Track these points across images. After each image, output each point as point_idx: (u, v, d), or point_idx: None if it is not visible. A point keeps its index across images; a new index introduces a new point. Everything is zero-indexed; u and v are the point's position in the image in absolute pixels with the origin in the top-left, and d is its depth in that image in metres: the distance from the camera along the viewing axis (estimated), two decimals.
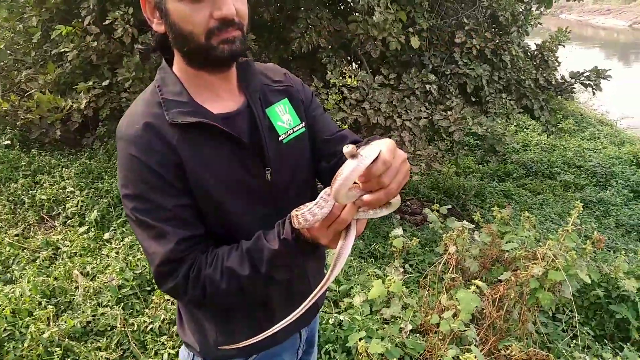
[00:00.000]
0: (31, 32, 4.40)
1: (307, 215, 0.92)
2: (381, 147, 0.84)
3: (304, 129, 1.25)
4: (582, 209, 2.61)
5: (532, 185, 7.28)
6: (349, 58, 5.09)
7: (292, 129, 1.22)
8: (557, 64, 5.48)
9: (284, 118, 1.21)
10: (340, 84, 4.29)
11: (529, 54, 5.59)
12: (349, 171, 0.82)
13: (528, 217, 2.97)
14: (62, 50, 3.97)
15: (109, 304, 2.75)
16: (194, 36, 1.00)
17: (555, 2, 5.03)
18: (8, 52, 4.91)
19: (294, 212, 0.96)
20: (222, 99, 1.14)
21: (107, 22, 3.64)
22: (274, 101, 1.21)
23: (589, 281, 2.47)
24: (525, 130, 9.55)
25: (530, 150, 8.58)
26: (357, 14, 4.56)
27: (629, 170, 7.46)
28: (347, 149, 0.81)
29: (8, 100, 4.23)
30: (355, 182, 0.85)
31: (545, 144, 8.73)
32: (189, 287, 1.05)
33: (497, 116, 5.20)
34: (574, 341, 2.79)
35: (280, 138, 1.19)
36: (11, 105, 4.26)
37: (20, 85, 4.66)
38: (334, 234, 0.94)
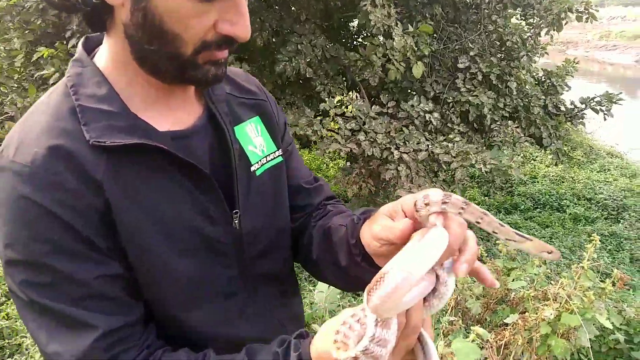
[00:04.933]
0: (13, 55, 4.26)
1: (373, 348, 0.58)
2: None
3: (280, 159, 0.93)
4: (575, 235, 2.32)
5: (540, 218, 6.97)
6: (346, 85, 4.91)
7: (266, 157, 0.90)
8: (566, 89, 5.28)
9: (256, 142, 0.89)
10: (334, 113, 4.07)
11: (536, 79, 5.40)
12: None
13: None
14: (44, 73, 3.81)
15: None
16: (180, 43, 0.69)
17: (565, 24, 4.84)
18: None
19: (323, 338, 0.66)
20: (170, 109, 0.80)
21: None
22: (243, 118, 0.89)
23: (610, 326, 2.16)
24: (532, 161, 9.29)
25: (538, 182, 8.29)
26: (372, 37, 4.27)
27: None
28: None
29: None
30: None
31: (553, 175, 8.45)
32: None
33: (503, 145, 4.96)
34: None
35: (252, 169, 0.87)
36: None
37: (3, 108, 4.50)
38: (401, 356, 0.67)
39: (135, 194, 0.72)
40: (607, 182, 8.08)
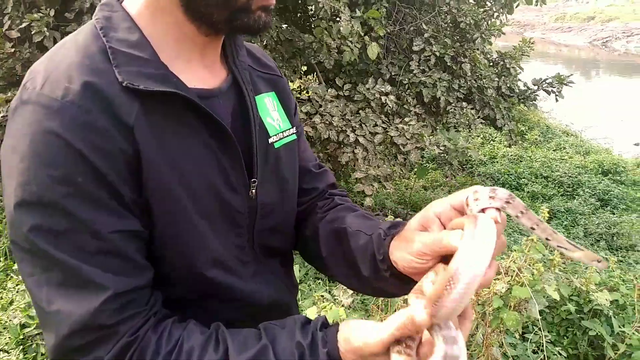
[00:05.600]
0: None
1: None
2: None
3: (294, 137, 0.91)
4: (548, 216, 2.36)
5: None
6: (301, 67, 4.85)
7: (282, 132, 0.88)
8: (519, 71, 5.36)
9: (273, 115, 0.88)
10: None
11: (490, 61, 5.46)
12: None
13: None
14: None
15: (6, 347, 2.34)
16: None
17: (516, 6, 4.89)
18: None
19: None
20: (199, 66, 0.77)
21: (23, 24, 3.28)
22: (262, 90, 0.87)
23: (558, 297, 2.21)
24: (492, 142, 9.47)
25: (497, 162, 8.46)
26: (320, 20, 4.22)
27: (595, 179, 7.38)
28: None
29: None
30: None
31: (512, 155, 8.64)
32: None
33: (458, 127, 5.00)
34: None
35: (270, 140, 0.85)
36: None
37: None
38: None
39: (165, 144, 0.68)
40: (563, 160, 8.31)
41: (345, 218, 0.88)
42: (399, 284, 0.75)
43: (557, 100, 5.20)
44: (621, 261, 4.99)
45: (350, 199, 1.00)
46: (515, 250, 2.31)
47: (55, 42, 3.31)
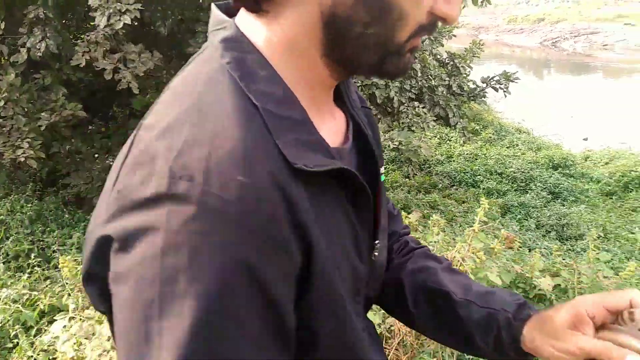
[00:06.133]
0: None
1: None
2: None
3: (383, 176, 0.75)
4: (488, 208, 2.47)
5: (457, 194, 7.33)
6: None
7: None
8: (468, 70, 5.56)
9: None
10: None
11: (440, 62, 5.63)
12: None
13: (437, 220, 2.82)
14: None
15: None
16: (402, 25, 0.53)
17: (462, 7, 5.06)
18: None
19: None
20: (327, 118, 0.63)
21: None
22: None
23: (500, 283, 2.31)
24: (448, 142, 9.72)
25: (454, 161, 8.70)
26: None
27: (546, 173, 7.69)
28: None
29: None
30: None
31: (467, 154, 8.89)
32: None
33: (412, 126, 5.15)
34: None
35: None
36: None
37: None
38: None
39: (328, 233, 0.54)
40: (516, 156, 8.62)
41: (437, 274, 0.82)
42: (518, 358, 0.73)
43: (505, 95, 5.42)
44: (570, 250, 5.22)
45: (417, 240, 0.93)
46: (459, 241, 2.41)
47: (2, 54, 3.23)
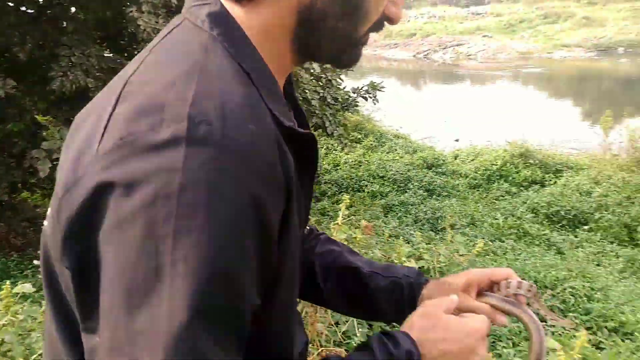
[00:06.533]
0: None
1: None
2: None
3: None
4: (372, 208, 2.72)
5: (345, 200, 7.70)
6: None
7: None
8: (340, 82, 5.94)
9: None
10: None
11: (314, 75, 5.96)
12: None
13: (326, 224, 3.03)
14: None
15: None
16: (365, 21, 0.62)
17: None
18: None
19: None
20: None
21: None
22: None
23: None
24: (334, 151, 10.18)
25: (340, 169, 9.13)
26: (145, 43, 4.28)
27: (421, 173, 8.35)
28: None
29: None
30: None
31: (352, 161, 9.37)
32: None
33: None
34: (371, 331, 2.87)
35: None
36: None
37: None
38: None
39: (296, 193, 0.58)
40: (395, 160, 9.25)
41: (343, 254, 0.95)
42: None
43: (374, 103, 5.86)
44: (443, 239, 5.75)
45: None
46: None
47: None
